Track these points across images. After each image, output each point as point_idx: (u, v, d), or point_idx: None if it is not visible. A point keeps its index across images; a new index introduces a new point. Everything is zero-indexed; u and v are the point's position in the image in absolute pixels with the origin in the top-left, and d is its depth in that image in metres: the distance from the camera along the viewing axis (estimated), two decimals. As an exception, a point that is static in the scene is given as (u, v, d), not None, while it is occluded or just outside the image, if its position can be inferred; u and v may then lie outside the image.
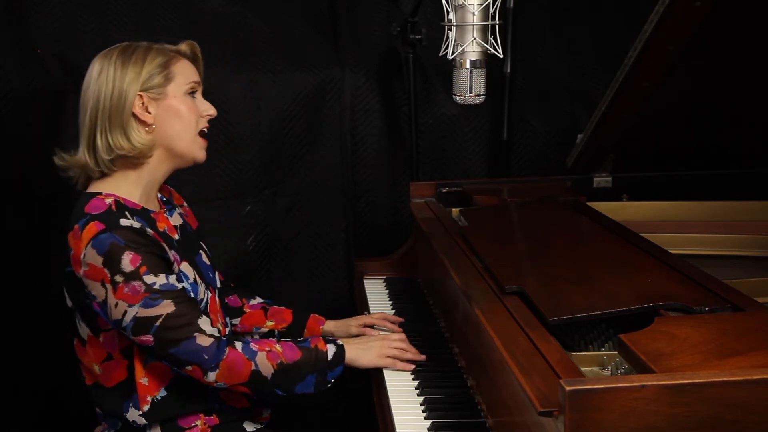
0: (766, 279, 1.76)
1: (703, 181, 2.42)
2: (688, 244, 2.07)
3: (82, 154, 1.83)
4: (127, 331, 1.74)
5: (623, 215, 2.27)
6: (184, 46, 1.91)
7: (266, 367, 1.79)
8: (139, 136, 1.80)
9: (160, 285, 1.73)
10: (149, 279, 1.72)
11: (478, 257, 1.91)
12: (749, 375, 1.12)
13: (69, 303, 1.86)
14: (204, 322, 1.77)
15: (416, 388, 1.80)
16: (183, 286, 1.80)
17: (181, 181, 2.41)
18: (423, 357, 1.92)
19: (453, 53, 2.28)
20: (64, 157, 1.86)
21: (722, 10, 1.85)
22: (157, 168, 1.86)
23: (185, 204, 2.07)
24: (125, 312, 1.72)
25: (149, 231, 1.77)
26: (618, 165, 2.50)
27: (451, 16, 2.27)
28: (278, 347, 1.82)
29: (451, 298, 1.97)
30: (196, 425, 1.87)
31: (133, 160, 1.82)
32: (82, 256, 1.73)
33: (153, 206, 1.89)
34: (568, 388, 1.10)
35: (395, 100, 3.02)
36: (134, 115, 1.80)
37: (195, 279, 1.88)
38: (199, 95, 1.90)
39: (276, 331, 2.12)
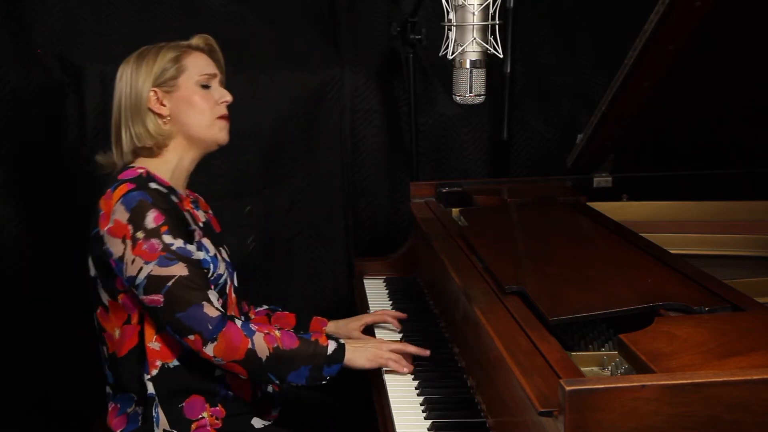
0: (766, 279, 1.76)
1: (703, 181, 2.42)
2: (687, 244, 2.07)
3: (112, 152, 1.96)
4: (139, 289, 1.79)
5: (623, 215, 2.27)
6: (196, 40, 2.01)
7: (262, 348, 1.80)
8: (157, 127, 1.92)
9: (177, 248, 1.80)
10: (168, 239, 1.79)
11: (478, 257, 1.91)
12: (749, 375, 1.11)
13: (92, 272, 1.89)
14: (213, 295, 1.81)
15: (416, 388, 1.80)
16: (199, 258, 1.83)
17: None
18: (427, 352, 1.90)
19: (453, 53, 2.28)
20: (101, 158, 1.98)
21: (722, 10, 1.85)
22: (182, 155, 1.96)
23: (210, 211, 2.12)
24: (140, 269, 1.78)
25: (174, 199, 1.88)
26: (618, 165, 2.50)
27: (451, 16, 2.27)
28: (277, 333, 1.84)
29: (451, 298, 1.97)
30: (203, 417, 1.86)
31: (155, 150, 1.93)
32: (111, 213, 1.81)
33: (181, 191, 1.97)
34: (568, 388, 1.10)
35: (395, 100, 3.02)
36: (150, 109, 1.91)
37: (216, 255, 1.93)
38: (215, 84, 1.98)
39: None
